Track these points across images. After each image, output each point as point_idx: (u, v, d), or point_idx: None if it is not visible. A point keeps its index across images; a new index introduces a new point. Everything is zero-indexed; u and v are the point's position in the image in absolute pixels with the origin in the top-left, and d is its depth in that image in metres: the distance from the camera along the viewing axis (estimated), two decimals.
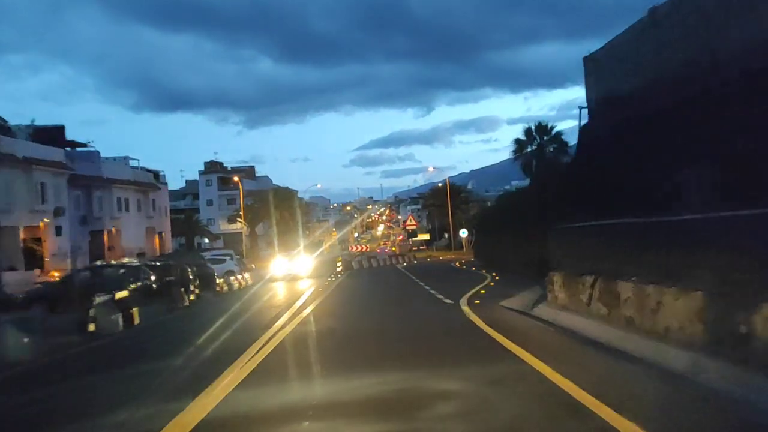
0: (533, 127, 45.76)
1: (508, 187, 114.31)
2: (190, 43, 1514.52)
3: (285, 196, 68.46)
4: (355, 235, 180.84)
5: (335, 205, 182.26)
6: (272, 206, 62.40)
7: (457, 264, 39.21)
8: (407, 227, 65.46)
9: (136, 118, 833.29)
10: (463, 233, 62.95)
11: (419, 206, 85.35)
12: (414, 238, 66.30)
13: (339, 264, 35.51)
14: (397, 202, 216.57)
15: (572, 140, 39.73)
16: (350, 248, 61.27)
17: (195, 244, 71.28)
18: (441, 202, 72.57)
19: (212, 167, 78.84)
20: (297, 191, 78.92)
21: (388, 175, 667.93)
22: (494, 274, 23.63)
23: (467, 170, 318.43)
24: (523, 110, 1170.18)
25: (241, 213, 59.53)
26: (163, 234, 53.24)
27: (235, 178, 63.68)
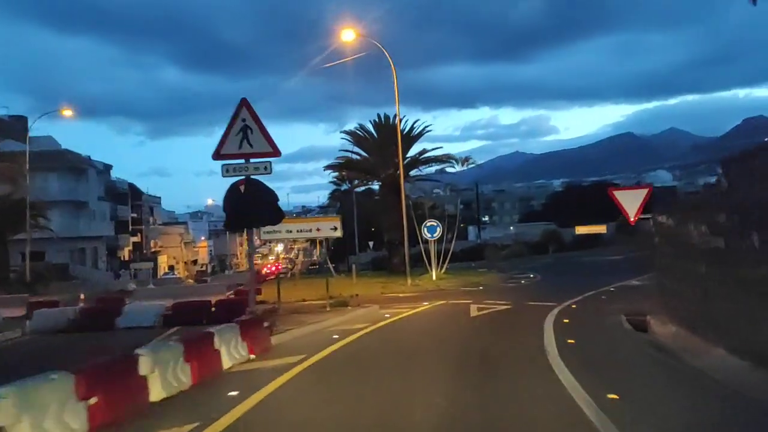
0: None
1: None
2: (89, 47, 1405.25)
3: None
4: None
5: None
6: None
7: None
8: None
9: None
10: (431, 232, 28.96)
11: (333, 187, 48.95)
12: (304, 245, 22.52)
13: None
14: (305, 213, 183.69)
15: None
16: None
17: None
18: (373, 166, 37.07)
19: None
20: (88, 155, 40.85)
21: (297, 191, 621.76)
22: None
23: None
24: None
25: None
26: None
27: None
